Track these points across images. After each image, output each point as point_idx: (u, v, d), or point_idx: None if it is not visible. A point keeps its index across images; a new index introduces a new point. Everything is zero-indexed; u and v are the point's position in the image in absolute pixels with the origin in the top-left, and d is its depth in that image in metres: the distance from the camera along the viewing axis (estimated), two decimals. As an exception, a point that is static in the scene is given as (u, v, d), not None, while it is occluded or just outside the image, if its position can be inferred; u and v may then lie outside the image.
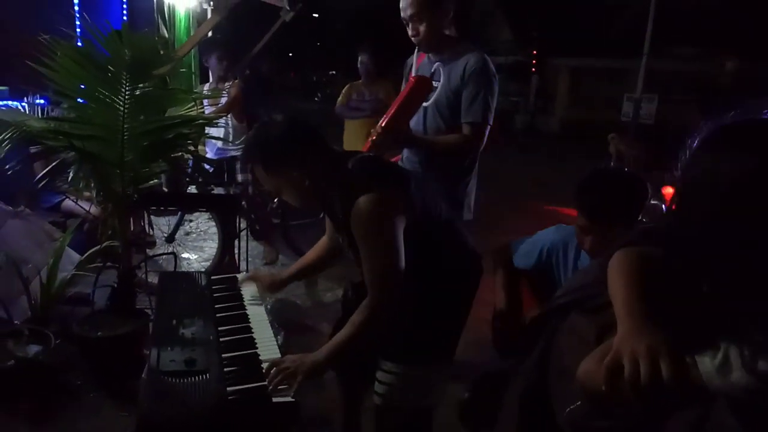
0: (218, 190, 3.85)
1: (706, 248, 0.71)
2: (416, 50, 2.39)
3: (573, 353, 0.85)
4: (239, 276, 2.12)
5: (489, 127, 2.27)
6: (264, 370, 1.47)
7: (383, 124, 2.17)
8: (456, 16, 2.30)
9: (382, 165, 1.74)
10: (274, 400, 1.38)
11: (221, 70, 4.06)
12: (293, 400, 1.39)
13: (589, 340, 0.85)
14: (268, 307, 1.94)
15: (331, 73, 25.70)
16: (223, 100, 3.91)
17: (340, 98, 4.65)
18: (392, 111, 2.19)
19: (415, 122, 2.32)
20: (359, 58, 4.42)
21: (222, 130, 4.02)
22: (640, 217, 1.71)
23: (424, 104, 2.29)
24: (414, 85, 2.21)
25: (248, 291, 1.94)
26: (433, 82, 2.28)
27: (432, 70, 2.29)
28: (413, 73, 2.40)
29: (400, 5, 2.24)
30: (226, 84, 3.99)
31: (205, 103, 3.89)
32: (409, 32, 2.26)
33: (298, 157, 1.58)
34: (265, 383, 1.42)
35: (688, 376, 0.67)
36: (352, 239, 1.57)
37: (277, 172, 1.61)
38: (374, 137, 2.17)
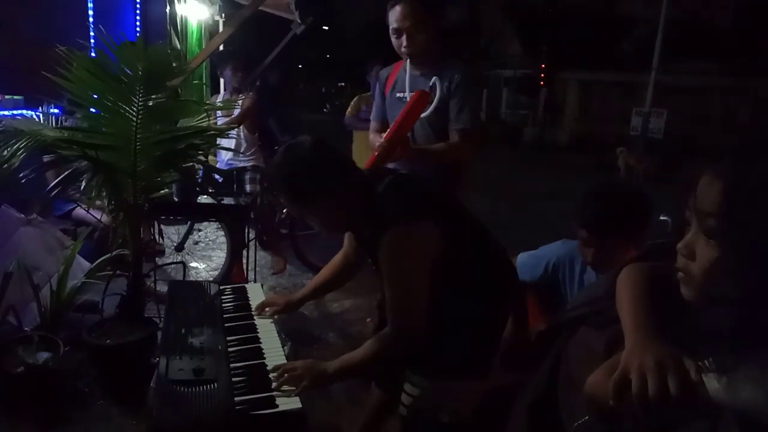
0: (228, 200, 3.87)
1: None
2: (408, 62, 2.43)
3: (582, 367, 0.85)
4: (249, 288, 2.13)
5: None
6: (272, 372, 1.49)
7: (389, 138, 2.23)
8: (440, 30, 2.38)
9: (414, 189, 1.66)
10: (282, 408, 1.38)
11: (236, 82, 4.09)
12: (300, 407, 1.39)
13: (598, 354, 0.85)
14: (276, 317, 1.94)
15: (339, 84, 25.89)
16: (236, 111, 3.94)
17: (349, 110, 4.70)
18: (396, 124, 2.26)
19: None
20: (370, 70, 4.47)
21: (233, 141, 4.06)
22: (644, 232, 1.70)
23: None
24: (416, 99, 2.27)
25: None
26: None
27: (431, 84, 2.36)
28: (392, 86, 2.50)
29: (392, 17, 2.30)
30: (240, 96, 4.03)
31: (218, 114, 3.92)
32: (402, 43, 2.32)
33: (324, 186, 1.53)
34: (272, 394, 1.42)
35: (696, 391, 0.67)
36: (378, 265, 1.56)
37: (303, 201, 1.57)
38: (378, 151, 2.21)
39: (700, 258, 0.73)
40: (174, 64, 2.54)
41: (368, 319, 3.27)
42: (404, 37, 2.29)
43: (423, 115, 2.34)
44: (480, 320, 1.63)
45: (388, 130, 2.31)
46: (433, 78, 2.34)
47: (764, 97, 13.12)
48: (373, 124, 2.63)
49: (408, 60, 2.41)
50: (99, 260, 2.78)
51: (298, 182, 1.53)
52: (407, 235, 1.47)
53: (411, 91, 2.37)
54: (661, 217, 1.65)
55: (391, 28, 2.32)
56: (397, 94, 2.46)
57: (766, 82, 12.79)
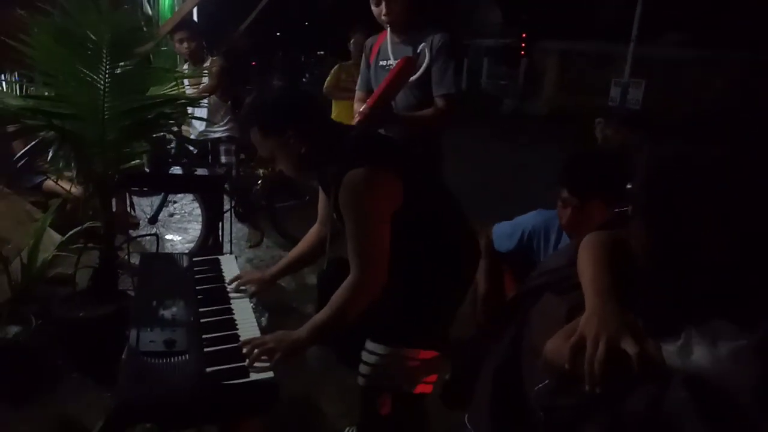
0: (202, 172, 3.81)
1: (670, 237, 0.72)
2: (389, 31, 2.47)
3: (544, 332, 0.86)
4: (223, 260, 2.11)
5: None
6: (243, 348, 1.47)
7: (371, 104, 2.24)
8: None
9: (380, 141, 1.72)
10: (253, 377, 1.38)
11: (186, 54, 3.87)
12: (272, 376, 1.39)
13: (560, 320, 0.86)
14: (252, 289, 1.92)
15: (319, 53, 25.43)
16: (205, 79, 3.81)
17: (329, 79, 4.62)
18: (380, 91, 2.27)
19: None
20: (350, 39, 4.39)
21: (206, 110, 3.96)
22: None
23: None
24: (401, 66, 2.27)
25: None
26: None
27: (419, 50, 2.38)
28: (377, 54, 2.54)
29: None
30: (206, 64, 3.86)
31: (185, 83, 3.78)
32: (381, 11, 2.37)
33: (295, 121, 1.58)
34: (244, 363, 1.42)
35: (651, 355, 0.69)
36: (341, 212, 1.56)
37: (273, 135, 1.60)
38: (361, 117, 2.23)
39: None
40: (143, 30, 2.47)
41: None
42: (383, 5, 2.34)
43: (412, 78, 2.36)
44: (438, 287, 1.65)
45: (371, 96, 2.33)
46: (422, 44, 2.39)
47: (738, 70, 13.26)
48: (358, 94, 2.67)
49: (388, 28, 2.44)
50: (70, 233, 2.73)
51: (270, 114, 1.61)
52: (370, 177, 1.50)
53: (394, 58, 2.41)
54: (628, 186, 1.68)
55: None
56: (381, 62, 2.51)
57: (739, 54, 12.92)
